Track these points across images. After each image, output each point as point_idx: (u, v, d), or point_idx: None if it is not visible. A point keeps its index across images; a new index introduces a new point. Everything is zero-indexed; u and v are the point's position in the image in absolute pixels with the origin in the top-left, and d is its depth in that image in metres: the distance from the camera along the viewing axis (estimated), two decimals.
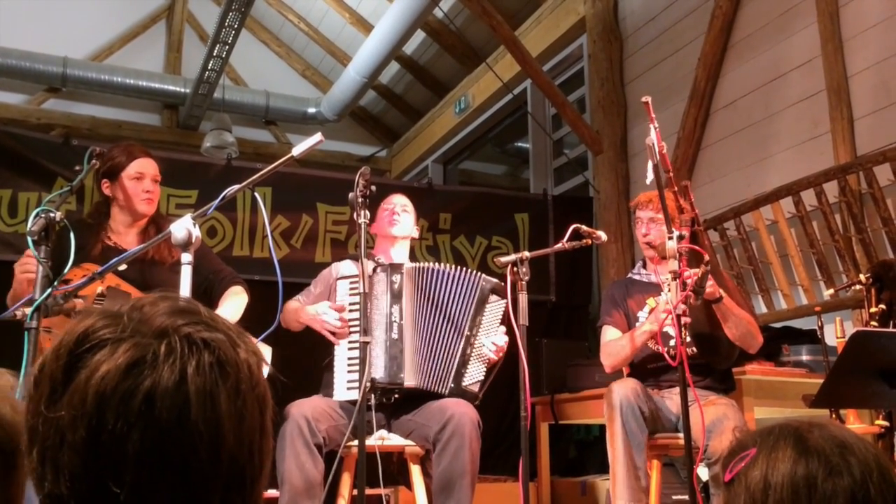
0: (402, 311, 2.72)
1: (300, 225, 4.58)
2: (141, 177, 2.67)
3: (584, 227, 2.61)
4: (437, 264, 2.88)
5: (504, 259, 2.50)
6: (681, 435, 2.72)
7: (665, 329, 2.66)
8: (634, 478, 2.58)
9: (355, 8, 6.96)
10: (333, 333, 2.74)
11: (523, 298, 2.45)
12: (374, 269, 2.76)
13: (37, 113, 6.71)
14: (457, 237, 4.92)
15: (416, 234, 3.08)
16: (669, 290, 2.28)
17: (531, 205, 5.15)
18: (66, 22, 6.82)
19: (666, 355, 2.42)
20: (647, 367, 2.88)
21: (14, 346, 2.24)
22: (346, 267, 3.00)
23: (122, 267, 2.19)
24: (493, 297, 2.82)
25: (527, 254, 2.49)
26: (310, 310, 2.79)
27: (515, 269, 2.46)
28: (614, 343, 2.88)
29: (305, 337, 2.96)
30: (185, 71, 7.31)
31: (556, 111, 5.41)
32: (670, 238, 2.24)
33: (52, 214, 1.92)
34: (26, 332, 1.86)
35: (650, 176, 2.23)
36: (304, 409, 2.56)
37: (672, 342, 2.71)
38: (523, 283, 2.44)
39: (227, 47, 6.08)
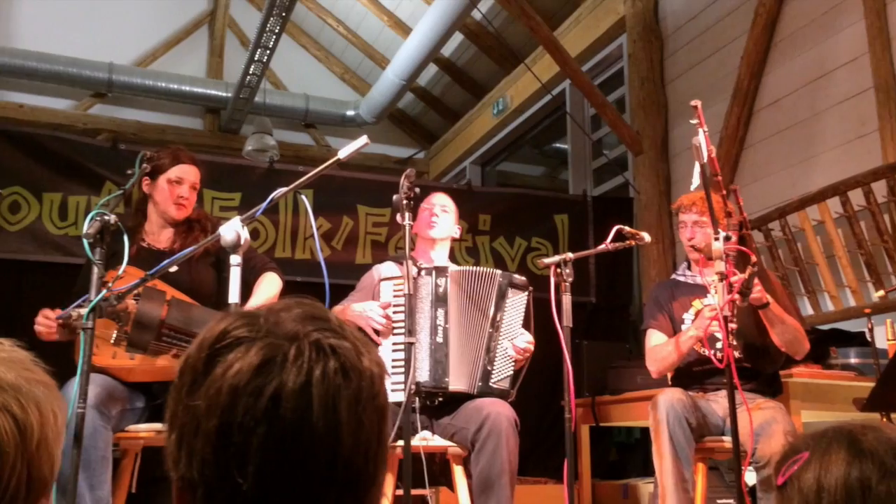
0: (448, 315, 2.72)
1: (341, 227, 4.62)
2: (179, 182, 2.71)
3: (628, 229, 2.60)
4: (475, 267, 2.89)
5: (547, 260, 2.49)
6: (727, 438, 2.69)
7: (712, 332, 2.63)
8: (683, 490, 2.54)
9: (394, 11, 7.00)
10: (377, 332, 2.75)
11: (567, 300, 2.44)
12: (419, 272, 2.76)
13: (83, 118, 6.85)
14: (496, 238, 4.92)
15: (456, 235, 3.06)
16: (716, 293, 2.26)
17: (571, 206, 5.13)
18: (111, 28, 6.96)
19: (713, 358, 2.39)
20: (693, 371, 2.85)
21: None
22: (388, 268, 3.01)
23: (173, 269, 2.23)
24: (513, 291, 2.81)
25: (570, 255, 2.48)
26: (356, 307, 2.80)
27: (559, 270, 2.45)
28: (660, 348, 2.85)
29: None
30: (226, 75, 7.42)
31: (596, 112, 5.38)
32: (717, 239, 2.22)
33: (106, 217, 1.96)
34: (82, 333, 1.91)
35: (696, 181, 2.20)
36: None
37: (718, 345, 2.68)
38: (567, 284, 2.43)
39: (267, 51, 6.15)
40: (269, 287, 2.69)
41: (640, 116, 5.09)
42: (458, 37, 6.54)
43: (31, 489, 0.74)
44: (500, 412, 2.58)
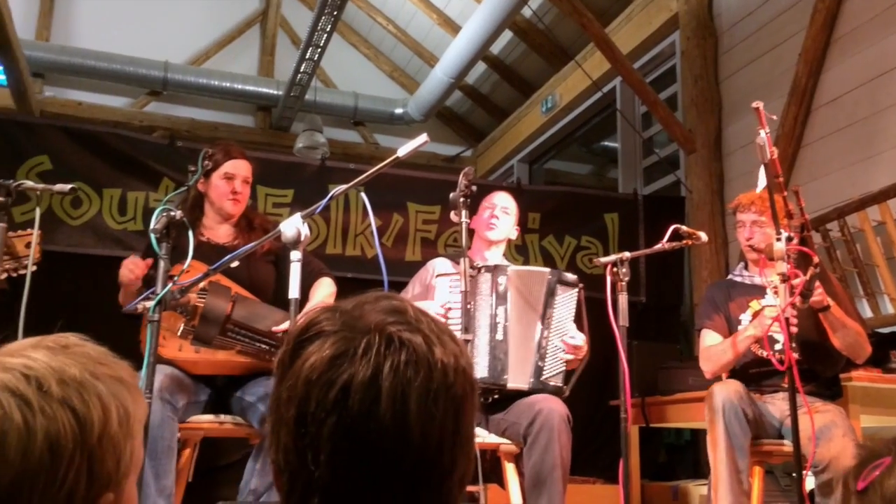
0: (507, 313, 2.72)
1: (391, 224, 4.65)
2: (232, 177, 2.75)
3: (685, 228, 2.57)
4: (527, 266, 2.89)
5: (603, 259, 2.48)
6: (785, 442, 2.65)
7: (770, 333, 2.59)
8: (737, 482, 2.52)
9: (443, 9, 7.02)
10: None
11: (623, 299, 2.42)
12: (479, 270, 2.76)
13: (139, 115, 7.00)
14: (545, 237, 4.90)
15: (514, 237, 3.06)
16: (776, 294, 2.22)
17: (621, 205, 5.09)
18: (166, 28, 7.10)
19: (773, 359, 2.35)
20: (749, 372, 2.81)
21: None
22: (442, 265, 3.01)
23: (235, 264, 2.27)
24: (562, 289, 2.79)
25: (627, 254, 2.46)
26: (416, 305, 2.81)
27: (615, 269, 2.43)
28: (715, 348, 2.81)
29: None
30: (277, 74, 7.51)
31: (647, 109, 5.33)
32: (779, 239, 2.19)
33: (172, 213, 2.01)
34: (149, 325, 1.96)
35: (762, 182, 2.17)
36: None
37: (777, 346, 2.64)
38: (623, 283, 2.42)
39: (318, 50, 6.21)
40: (324, 293, 2.72)
41: (693, 114, 5.02)
42: (507, 34, 6.53)
43: (93, 483, 0.75)
44: (553, 408, 2.58)
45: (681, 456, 4.94)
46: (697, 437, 4.77)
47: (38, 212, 1.95)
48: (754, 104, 2.21)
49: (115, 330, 2.47)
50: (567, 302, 2.80)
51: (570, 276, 2.83)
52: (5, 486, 0.70)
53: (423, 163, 7.39)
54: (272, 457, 0.82)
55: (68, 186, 1.94)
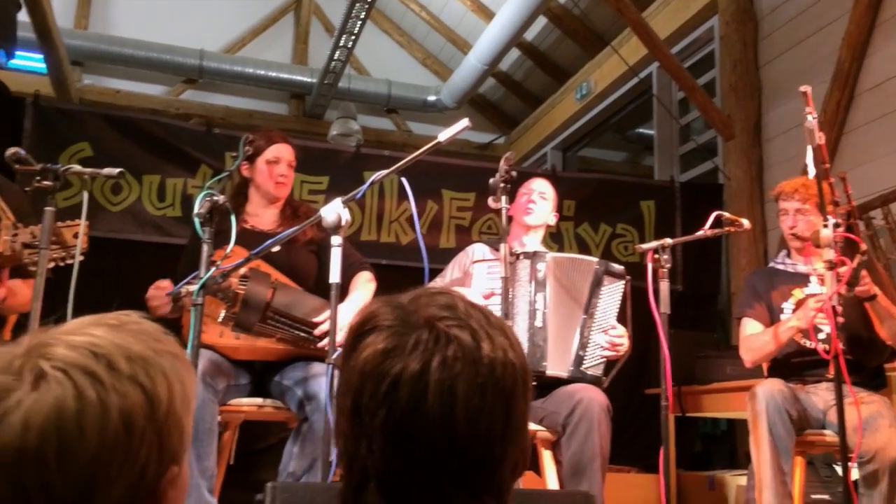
0: (547, 300, 2.71)
1: (425, 211, 4.65)
2: (277, 161, 2.77)
3: (727, 215, 2.54)
4: (573, 255, 2.87)
5: (644, 246, 2.45)
6: (828, 432, 2.61)
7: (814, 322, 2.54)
8: (781, 483, 2.48)
9: None
10: None
11: (664, 286, 2.40)
12: (518, 256, 2.75)
13: (175, 103, 7.07)
14: (580, 224, 4.87)
15: (552, 222, 3.04)
16: (820, 283, 2.19)
17: (657, 192, 5.03)
18: (202, 16, 7.14)
19: (819, 349, 2.31)
20: (792, 362, 2.77)
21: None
22: (481, 250, 3.00)
23: (276, 249, 2.28)
24: (608, 279, 2.76)
25: (668, 240, 2.43)
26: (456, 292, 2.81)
27: (656, 255, 2.40)
28: (756, 337, 2.77)
29: None
30: (311, 61, 7.53)
31: (684, 95, 5.26)
32: (825, 226, 2.14)
33: (216, 198, 2.02)
34: (193, 309, 1.98)
35: (811, 168, 2.13)
36: None
37: (821, 336, 2.60)
38: (664, 270, 2.39)
39: (352, 37, 6.22)
40: (363, 287, 2.73)
41: (732, 100, 4.94)
42: (541, 20, 6.47)
43: (162, 459, 0.76)
44: (593, 397, 2.56)
45: (717, 446, 4.89)
46: (734, 426, 4.73)
47: (85, 198, 1.97)
48: (802, 88, 2.17)
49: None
50: (613, 293, 2.77)
51: (618, 268, 2.79)
52: (84, 465, 0.70)
53: (456, 150, 7.37)
54: (340, 446, 0.86)
55: (116, 170, 1.96)
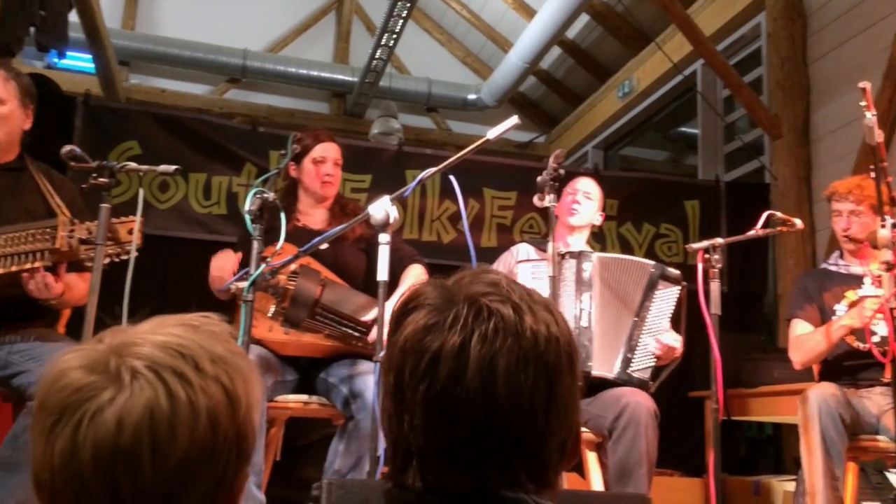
0: (593, 300, 2.68)
1: (467, 209, 4.64)
2: (323, 160, 2.79)
3: (780, 214, 2.49)
4: (620, 255, 2.84)
5: (695, 245, 2.42)
6: (882, 438, 2.55)
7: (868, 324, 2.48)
8: (833, 489, 2.43)
9: None
10: None
11: (715, 287, 2.36)
12: (563, 256, 2.73)
13: (219, 102, 7.16)
14: (623, 224, 4.82)
15: (597, 222, 3.02)
16: (876, 284, 2.13)
17: (702, 191, 4.96)
18: (245, 16, 7.22)
19: (875, 350, 2.26)
20: (844, 365, 2.71)
21: None
22: (525, 250, 2.99)
23: (324, 247, 2.30)
24: (663, 284, 2.72)
25: (720, 240, 2.40)
26: None
27: (707, 255, 2.37)
28: (807, 338, 2.72)
29: None
30: (352, 60, 7.57)
31: (730, 93, 5.17)
32: (883, 226, 2.09)
33: (266, 195, 2.04)
34: (243, 305, 2.00)
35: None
36: None
37: (875, 339, 2.54)
38: (716, 270, 2.35)
39: (394, 36, 6.23)
40: (414, 279, 2.73)
41: (779, 98, 4.85)
42: (583, 18, 6.42)
43: (239, 458, 0.77)
44: (640, 402, 2.53)
45: (762, 450, 4.81)
46: (780, 431, 4.64)
47: (140, 195, 2.00)
48: (861, 84, 2.12)
49: (203, 311, 2.54)
50: (667, 297, 2.72)
51: (674, 272, 2.75)
52: (175, 464, 0.71)
53: (496, 148, 7.34)
54: (381, 422, 0.87)
55: (172, 167, 1.99)
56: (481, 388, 0.78)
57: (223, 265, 2.50)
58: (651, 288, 2.70)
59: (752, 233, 2.50)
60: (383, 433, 0.87)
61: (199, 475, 0.73)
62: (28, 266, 2.13)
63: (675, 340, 2.71)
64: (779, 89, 4.87)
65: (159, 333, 0.77)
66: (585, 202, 2.93)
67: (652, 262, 2.76)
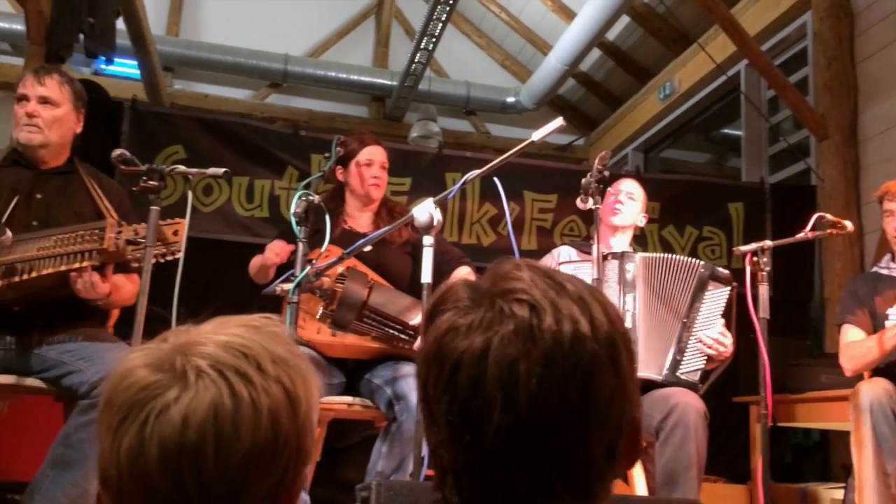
0: (637, 301, 2.66)
1: (506, 213, 4.63)
2: (369, 164, 2.81)
3: (829, 216, 2.44)
4: (666, 254, 2.80)
5: (743, 248, 2.39)
6: None
7: None
8: (885, 485, 2.38)
9: None
10: None
11: (764, 290, 2.32)
12: (605, 257, 2.71)
13: (261, 107, 7.24)
14: (665, 227, 4.78)
15: (641, 223, 2.99)
16: None
17: (746, 194, 4.89)
18: (286, 21, 7.30)
19: None
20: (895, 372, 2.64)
21: None
22: (567, 253, 2.98)
23: (367, 248, 2.31)
24: (714, 285, 2.68)
25: (768, 242, 2.36)
26: None
27: (755, 258, 2.33)
28: (858, 345, 2.66)
29: None
30: (391, 64, 7.60)
31: (774, 94, 5.09)
32: None
33: (311, 198, 2.06)
34: (289, 306, 2.01)
35: None
36: None
37: None
38: (764, 273, 2.31)
39: (433, 40, 6.24)
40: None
41: (826, 99, 4.76)
42: (623, 19, 6.37)
43: (299, 459, 0.77)
44: (690, 402, 2.49)
45: (809, 458, 4.72)
46: (827, 438, 4.55)
47: (189, 198, 2.04)
48: None
49: (247, 312, 2.57)
50: (717, 298, 2.68)
51: (724, 272, 2.71)
52: (238, 463, 0.72)
53: (535, 151, 7.30)
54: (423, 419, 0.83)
55: (221, 170, 2.02)
56: (502, 397, 0.72)
57: (279, 251, 2.53)
58: (701, 289, 2.66)
59: (801, 235, 2.46)
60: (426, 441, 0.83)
61: (261, 474, 0.73)
62: (76, 266, 2.18)
63: (727, 336, 2.66)
64: (825, 89, 4.78)
65: (222, 334, 0.78)
66: (628, 202, 2.91)
67: (700, 262, 2.72)
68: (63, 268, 2.19)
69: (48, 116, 2.42)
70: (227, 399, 0.72)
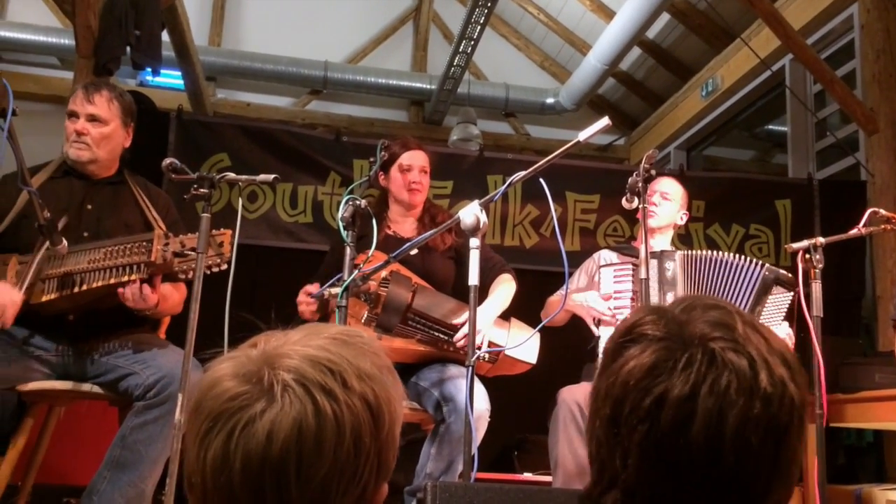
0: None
1: (549, 214, 4.62)
2: (409, 168, 2.82)
3: (883, 212, 2.39)
4: (710, 251, 2.76)
5: (795, 245, 2.35)
6: None
7: None
8: None
9: None
10: (598, 323, 2.72)
11: (817, 288, 2.29)
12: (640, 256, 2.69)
13: (301, 114, 7.32)
14: (710, 225, 4.71)
15: (680, 222, 2.96)
16: None
17: (794, 190, 4.80)
18: (326, 28, 7.37)
19: None
20: None
21: None
22: (608, 256, 2.96)
23: (413, 252, 2.32)
24: (778, 289, 2.63)
25: (821, 239, 2.32)
26: (577, 297, 2.80)
27: (808, 256, 2.29)
28: None
29: (569, 324, 2.98)
30: (430, 68, 7.63)
31: (822, 88, 4.99)
32: None
33: (357, 202, 2.08)
34: (337, 310, 2.03)
35: None
36: (575, 394, 2.58)
37: None
38: (817, 271, 2.27)
39: (472, 43, 6.25)
40: (504, 290, 2.73)
41: (875, 92, 4.65)
42: (664, 17, 6.31)
43: (379, 476, 0.78)
44: None
45: (862, 459, 4.61)
46: (881, 438, 4.44)
47: (239, 206, 2.08)
48: None
49: (294, 317, 2.60)
50: (781, 302, 2.63)
51: (788, 276, 2.66)
52: (319, 480, 0.72)
53: (576, 152, 7.24)
54: (587, 442, 0.84)
55: (271, 176, 2.05)
56: (706, 444, 0.75)
57: (308, 302, 2.55)
58: (764, 293, 2.61)
59: (854, 231, 2.41)
60: (588, 454, 0.84)
61: (341, 492, 0.74)
62: (126, 279, 2.22)
63: (791, 339, 2.63)
64: (874, 82, 4.67)
65: (310, 346, 0.78)
66: (663, 203, 2.88)
67: (768, 266, 2.65)
68: (113, 281, 2.24)
69: (96, 134, 2.48)
70: (311, 416, 0.73)
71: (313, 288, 2.48)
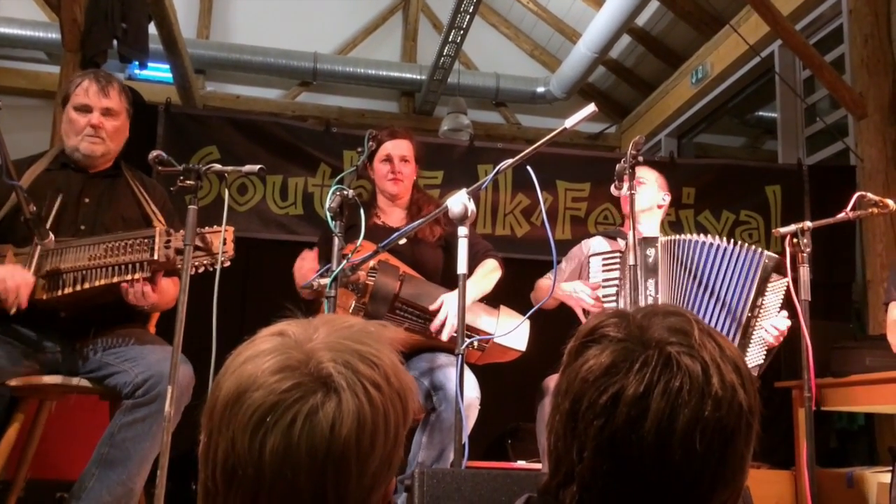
0: (658, 286, 2.64)
1: (539, 203, 4.62)
2: (389, 158, 2.82)
3: (871, 195, 2.39)
4: (696, 236, 2.76)
5: (783, 230, 2.35)
6: None
7: None
8: None
9: None
10: (586, 312, 2.73)
11: (804, 272, 2.29)
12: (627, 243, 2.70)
13: (291, 106, 7.29)
14: (701, 212, 4.72)
15: (661, 202, 2.96)
16: None
17: (784, 176, 4.81)
18: (315, 20, 7.34)
19: None
20: None
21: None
22: (597, 243, 2.97)
23: (402, 241, 2.32)
24: (776, 276, 2.63)
25: (808, 223, 2.32)
26: (565, 287, 2.80)
27: (796, 240, 2.30)
28: None
29: (556, 311, 2.98)
30: (420, 59, 7.61)
31: (811, 74, 5.00)
32: None
33: (345, 192, 2.07)
34: (326, 300, 2.03)
35: None
36: None
37: None
38: (804, 255, 2.28)
39: (461, 32, 6.23)
40: (486, 273, 2.73)
41: (864, 77, 4.66)
42: (653, 4, 6.29)
43: (390, 469, 0.79)
44: None
45: (854, 442, 4.64)
46: (872, 421, 4.47)
47: (226, 197, 2.06)
48: None
49: (284, 308, 2.60)
50: (778, 290, 2.64)
51: (781, 260, 2.63)
52: (372, 471, 0.74)
53: (566, 140, 7.26)
54: (546, 436, 0.88)
55: (256, 167, 2.04)
56: (656, 441, 0.78)
57: (301, 265, 2.57)
58: (765, 281, 2.61)
59: (841, 215, 2.42)
60: (546, 448, 0.89)
61: (380, 482, 0.76)
62: (129, 278, 2.20)
63: (787, 325, 2.66)
64: (863, 67, 4.68)
65: (349, 340, 0.78)
66: (639, 188, 2.88)
67: (766, 252, 2.63)
68: (116, 279, 2.21)
69: (110, 128, 2.47)
70: (367, 410, 0.74)
71: (311, 255, 2.49)
